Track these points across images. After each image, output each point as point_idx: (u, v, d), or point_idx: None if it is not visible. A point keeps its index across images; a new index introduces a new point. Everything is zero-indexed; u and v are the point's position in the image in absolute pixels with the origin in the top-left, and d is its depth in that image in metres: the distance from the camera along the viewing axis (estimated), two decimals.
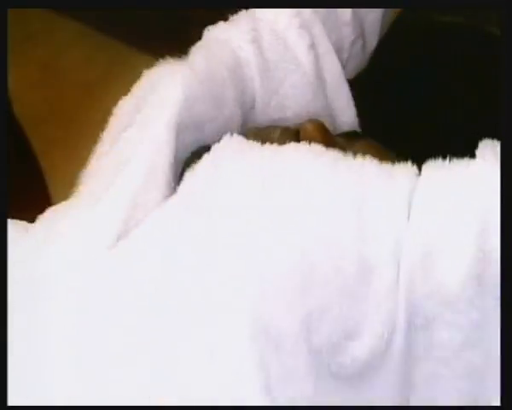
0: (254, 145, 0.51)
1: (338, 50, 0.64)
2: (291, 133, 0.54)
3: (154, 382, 0.47)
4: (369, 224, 0.46)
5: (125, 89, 0.61)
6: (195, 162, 0.52)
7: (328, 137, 0.55)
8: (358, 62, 0.69)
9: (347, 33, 0.64)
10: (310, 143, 0.51)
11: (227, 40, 0.59)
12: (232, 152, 0.50)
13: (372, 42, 0.69)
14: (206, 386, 0.46)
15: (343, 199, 0.46)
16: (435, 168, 0.48)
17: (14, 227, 0.55)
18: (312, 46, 0.61)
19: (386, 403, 0.49)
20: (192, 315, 0.47)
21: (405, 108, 0.79)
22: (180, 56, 0.59)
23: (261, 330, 0.45)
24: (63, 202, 0.57)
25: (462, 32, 0.79)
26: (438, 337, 0.46)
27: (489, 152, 0.47)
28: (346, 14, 0.63)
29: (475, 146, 0.48)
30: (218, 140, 0.52)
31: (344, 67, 0.65)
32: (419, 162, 0.52)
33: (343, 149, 0.54)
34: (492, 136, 0.49)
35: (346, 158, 0.49)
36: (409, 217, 0.46)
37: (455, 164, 0.47)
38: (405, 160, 0.57)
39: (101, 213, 0.52)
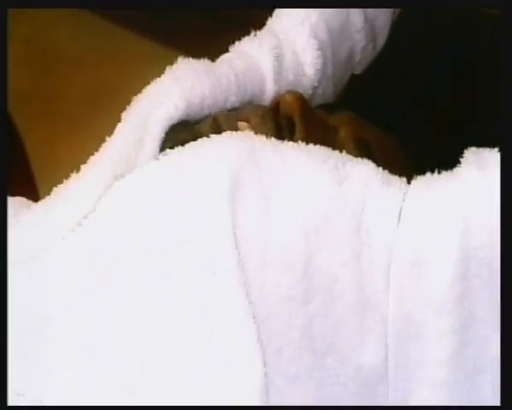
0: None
1: (351, 56, 0.69)
2: (268, 112, 0.55)
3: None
4: (364, 229, 0.47)
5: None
6: (174, 136, 0.53)
7: (306, 107, 0.56)
8: (369, 60, 0.72)
9: (359, 39, 0.68)
10: (289, 114, 0.54)
11: (249, 52, 0.61)
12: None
13: (382, 41, 0.73)
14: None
15: (342, 204, 0.48)
16: (424, 180, 0.49)
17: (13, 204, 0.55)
18: (324, 70, 0.65)
19: None
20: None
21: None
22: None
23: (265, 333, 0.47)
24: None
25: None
26: (430, 350, 0.47)
27: (472, 158, 0.48)
28: (357, 22, 0.67)
29: None
30: None
31: (355, 67, 0.70)
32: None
33: (322, 120, 0.56)
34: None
35: (344, 160, 0.50)
36: (398, 226, 0.47)
37: (443, 175, 0.48)
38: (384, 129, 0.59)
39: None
